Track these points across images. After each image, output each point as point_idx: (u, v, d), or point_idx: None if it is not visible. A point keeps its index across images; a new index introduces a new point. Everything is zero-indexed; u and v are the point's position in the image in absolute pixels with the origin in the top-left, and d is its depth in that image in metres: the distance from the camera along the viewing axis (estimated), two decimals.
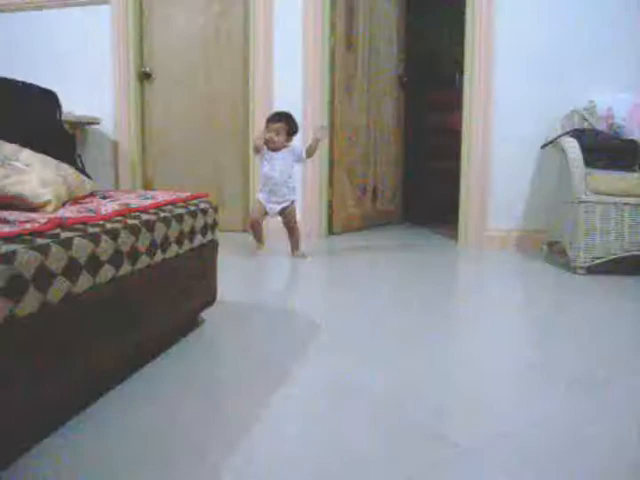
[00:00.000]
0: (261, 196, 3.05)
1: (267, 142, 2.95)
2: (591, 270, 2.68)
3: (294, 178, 3.08)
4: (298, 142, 3.17)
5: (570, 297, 2.40)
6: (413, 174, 4.82)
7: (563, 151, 2.87)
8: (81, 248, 1.17)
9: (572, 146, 2.78)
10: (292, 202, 3.06)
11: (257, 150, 3.01)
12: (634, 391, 1.43)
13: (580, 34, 3.24)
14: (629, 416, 1.29)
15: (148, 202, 1.61)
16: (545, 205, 3.31)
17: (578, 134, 2.90)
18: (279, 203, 3.03)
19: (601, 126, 3.08)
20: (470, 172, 3.46)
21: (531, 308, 2.31)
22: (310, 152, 3.07)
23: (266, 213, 3.05)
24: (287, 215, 3.06)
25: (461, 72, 3.53)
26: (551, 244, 3.17)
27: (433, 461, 1.08)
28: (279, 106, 3.71)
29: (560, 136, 2.96)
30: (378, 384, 1.44)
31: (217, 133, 3.88)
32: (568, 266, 2.76)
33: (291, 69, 3.65)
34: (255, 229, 3.09)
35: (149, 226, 1.45)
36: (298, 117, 3.70)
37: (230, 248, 3.02)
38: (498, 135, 3.40)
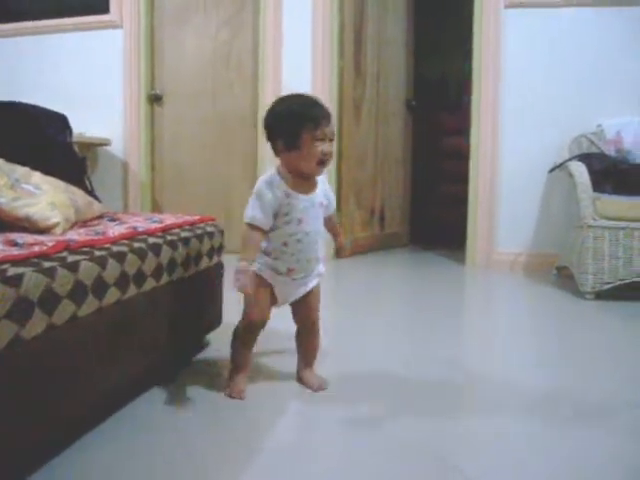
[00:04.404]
0: (268, 274, 1.48)
1: (316, 163, 1.43)
2: (600, 295, 2.65)
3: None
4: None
5: (577, 322, 2.37)
6: (421, 197, 4.82)
7: (571, 175, 2.86)
8: (87, 271, 1.17)
9: (580, 170, 2.78)
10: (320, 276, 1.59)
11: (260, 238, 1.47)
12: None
13: (587, 58, 3.26)
14: (634, 445, 1.26)
15: (155, 225, 1.62)
16: (554, 229, 3.30)
17: (586, 158, 2.90)
18: (306, 283, 1.53)
19: (609, 150, 3.08)
20: (478, 195, 3.47)
21: (537, 333, 2.29)
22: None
23: (274, 304, 1.54)
24: (309, 302, 1.57)
25: (468, 95, 3.55)
26: (560, 269, 3.14)
27: None
28: None
29: (568, 160, 2.96)
30: (384, 412, 1.42)
31: (226, 155, 3.91)
32: (577, 291, 2.73)
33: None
34: (250, 340, 1.55)
35: (155, 249, 1.46)
36: None
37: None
38: (506, 158, 3.41)
